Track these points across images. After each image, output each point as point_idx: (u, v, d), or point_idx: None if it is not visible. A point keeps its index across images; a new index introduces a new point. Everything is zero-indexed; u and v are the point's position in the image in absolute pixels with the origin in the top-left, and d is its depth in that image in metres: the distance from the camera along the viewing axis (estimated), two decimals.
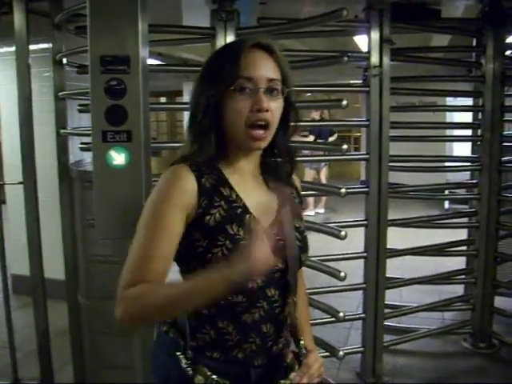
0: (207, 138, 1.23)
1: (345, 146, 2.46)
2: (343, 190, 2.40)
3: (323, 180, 8.70)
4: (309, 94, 8.23)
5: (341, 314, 2.59)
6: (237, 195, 1.25)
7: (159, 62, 6.86)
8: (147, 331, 2.17)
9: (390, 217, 3.08)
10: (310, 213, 8.49)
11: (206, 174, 1.22)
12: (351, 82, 5.53)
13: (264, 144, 1.24)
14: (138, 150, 1.91)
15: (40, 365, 2.74)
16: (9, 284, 4.60)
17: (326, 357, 3.25)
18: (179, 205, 1.17)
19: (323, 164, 8.38)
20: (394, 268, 3.37)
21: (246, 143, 1.23)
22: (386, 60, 2.93)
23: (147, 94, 2.00)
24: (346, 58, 2.41)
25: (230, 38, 2.64)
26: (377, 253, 3.09)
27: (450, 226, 3.50)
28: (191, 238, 1.20)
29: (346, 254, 3.16)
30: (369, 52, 2.91)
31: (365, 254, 3.11)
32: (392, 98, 3.00)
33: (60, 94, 2.55)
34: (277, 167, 1.34)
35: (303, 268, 1.43)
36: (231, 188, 1.25)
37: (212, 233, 1.19)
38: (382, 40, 2.89)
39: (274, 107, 1.21)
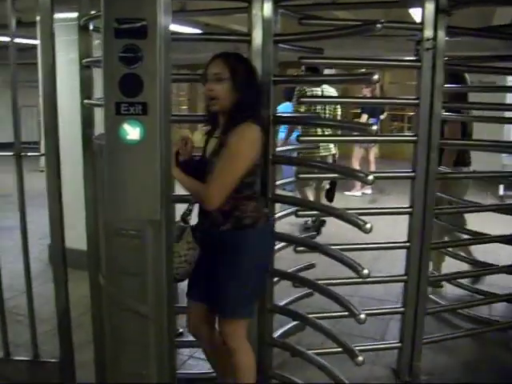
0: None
1: (374, 128, 2.21)
2: (370, 178, 2.14)
3: (372, 159, 8.41)
4: (363, 70, 7.97)
5: (365, 271, 2.31)
6: (208, 138, 2.34)
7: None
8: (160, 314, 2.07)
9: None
10: (356, 193, 8.23)
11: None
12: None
13: (214, 108, 2.21)
14: (153, 123, 1.74)
15: (60, 343, 2.67)
16: (45, 255, 4.67)
17: (363, 351, 3.09)
18: None
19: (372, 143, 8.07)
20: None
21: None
22: (441, 33, 2.64)
23: (169, 63, 1.82)
24: (379, 26, 2.14)
25: (267, 7, 2.42)
26: (421, 243, 2.85)
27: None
28: None
29: (388, 242, 2.95)
30: (422, 23, 2.63)
31: (407, 244, 2.88)
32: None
33: (84, 61, 2.40)
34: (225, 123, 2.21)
35: None
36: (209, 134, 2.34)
37: None
38: (437, 10, 2.62)
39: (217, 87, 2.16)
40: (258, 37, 2.38)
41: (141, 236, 1.95)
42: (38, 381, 2.71)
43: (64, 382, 2.69)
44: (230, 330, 2.31)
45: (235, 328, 2.31)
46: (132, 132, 1.73)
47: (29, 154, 2.57)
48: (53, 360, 2.72)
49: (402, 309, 2.94)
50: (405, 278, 2.91)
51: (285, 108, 5.87)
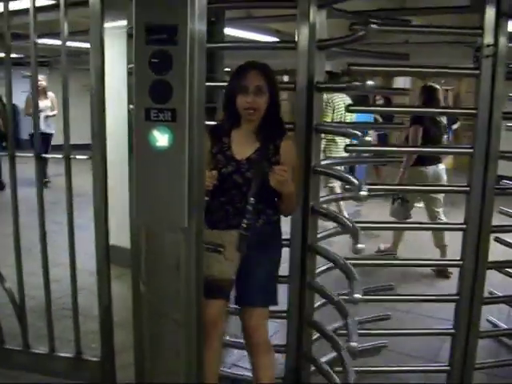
0: (227, 113, 2.42)
1: (368, 139, 2.14)
2: (363, 193, 1.95)
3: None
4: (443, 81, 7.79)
5: (356, 296, 2.04)
6: (229, 141, 2.39)
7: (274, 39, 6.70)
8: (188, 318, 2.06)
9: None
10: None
11: (218, 130, 2.42)
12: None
13: (253, 118, 2.33)
14: (182, 130, 1.72)
15: (101, 342, 2.71)
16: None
17: (410, 371, 2.97)
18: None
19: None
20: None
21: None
22: (503, 39, 2.48)
23: (202, 69, 1.81)
24: (373, 26, 2.02)
25: (313, 12, 2.36)
26: (475, 262, 2.69)
27: None
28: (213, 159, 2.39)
29: (440, 259, 2.80)
30: (482, 28, 2.48)
31: (460, 262, 2.72)
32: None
33: (129, 66, 2.43)
34: (267, 131, 2.36)
35: None
36: (229, 137, 2.40)
37: (213, 156, 2.37)
38: (498, 14, 2.46)
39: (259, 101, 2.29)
40: (302, 43, 2.34)
41: (170, 242, 1.95)
42: (79, 378, 2.77)
43: (104, 381, 2.74)
44: (263, 320, 2.42)
45: (266, 318, 2.44)
46: (161, 138, 1.73)
47: (77, 156, 2.64)
48: (95, 359, 2.77)
49: (452, 330, 2.78)
50: (457, 297, 2.75)
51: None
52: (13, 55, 4.29)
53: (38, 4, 2.70)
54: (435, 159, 4.91)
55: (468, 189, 2.62)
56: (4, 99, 2.86)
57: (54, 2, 2.64)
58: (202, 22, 1.77)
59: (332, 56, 5.10)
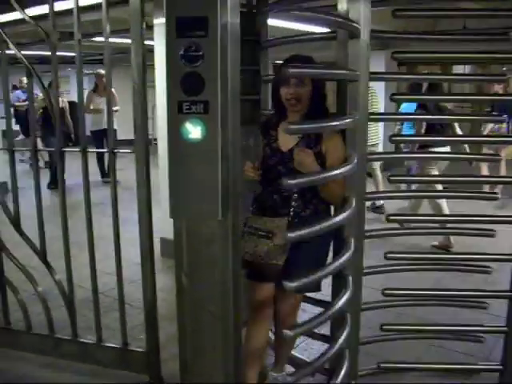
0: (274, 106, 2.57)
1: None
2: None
3: (502, 160, 7.80)
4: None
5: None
6: (276, 133, 2.51)
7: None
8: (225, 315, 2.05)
9: None
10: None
11: (268, 123, 2.59)
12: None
13: (296, 109, 2.42)
14: (215, 122, 1.72)
15: (146, 334, 2.75)
16: (158, 247, 4.87)
17: (461, 370, 2.88)
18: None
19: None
20: None
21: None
22: None
23: (236, 61, 1.79)
24: None
25: None
26: None
27: None
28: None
29: (490, 254, 2.69)
30: None
31: None
32: None
33: None
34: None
35: None
36: (276, 130, 2.51)
37: (263, 148, 2.53)
38: None
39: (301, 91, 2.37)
40: (341, 32, 2.28)
41: (206, 234, 1.96)
42: (125, 368, 2.82)
43: (149, 372, 2.78)
44: (298, 304, 2.58)
45: (299, 303, 2.59)
46: (194, 130, 1.73)
47: (120, 150, 2.68)
48: (140, 350, 2.81)
49: (505, 328, 2.66)
50: (509, 294, 2.63)
51: (409, 107, 5.58)
52: (71, 54, 4.44)
53: (83, 4, 2.76)
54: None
55: None
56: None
57: (97, 2, 2.68)
58: (234, 14, 1.76)
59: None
